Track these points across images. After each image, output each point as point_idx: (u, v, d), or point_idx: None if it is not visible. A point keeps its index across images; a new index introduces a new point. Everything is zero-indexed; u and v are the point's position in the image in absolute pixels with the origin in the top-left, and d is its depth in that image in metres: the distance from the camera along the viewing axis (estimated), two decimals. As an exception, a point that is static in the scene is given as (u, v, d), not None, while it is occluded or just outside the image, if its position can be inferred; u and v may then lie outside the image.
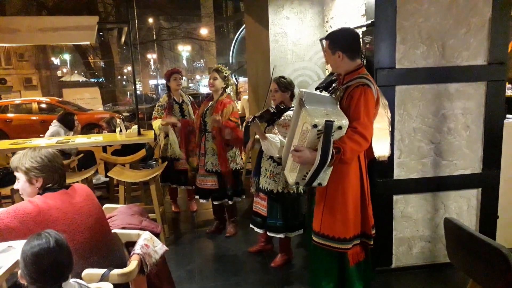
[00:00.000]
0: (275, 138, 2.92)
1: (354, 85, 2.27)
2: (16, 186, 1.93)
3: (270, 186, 3.10)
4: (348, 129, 2.17)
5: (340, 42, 2.35)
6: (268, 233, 3.22)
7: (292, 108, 2.93)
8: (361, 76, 2.30)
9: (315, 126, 2.08)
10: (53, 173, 1.89)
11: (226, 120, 3.59)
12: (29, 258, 1.43)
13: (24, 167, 1.85)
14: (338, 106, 2.30)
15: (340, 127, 2.12)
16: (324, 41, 3.96)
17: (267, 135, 2.94)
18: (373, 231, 2.51)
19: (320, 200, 2.43)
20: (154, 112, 4.38)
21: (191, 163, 4.15)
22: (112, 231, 2.12)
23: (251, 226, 3.35)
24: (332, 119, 2.10)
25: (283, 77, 3.13)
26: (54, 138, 5.10)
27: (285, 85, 3.06)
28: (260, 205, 3.25)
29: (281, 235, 3.17)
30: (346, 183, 2.33)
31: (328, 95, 2.44)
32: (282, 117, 2.98)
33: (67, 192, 1.92)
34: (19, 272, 1.49)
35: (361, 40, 2.47)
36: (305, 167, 2.23)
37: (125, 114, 13.50)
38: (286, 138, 2.54)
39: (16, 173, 1.89)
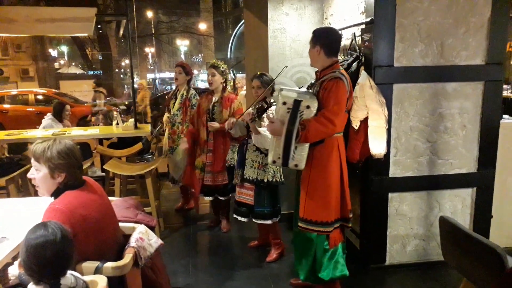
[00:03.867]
0: (266, 131, 2.98)
1: (328, 79, 2.44)
2: (32, 175, 1.83)
3: (260, 176, 3.18)
4: (318, 113, 2.38)
5: (322, 37, 2.53)
6: (255, 220, 3.28)
7: (274, 103, 3.04)
8: (334, 71, 2.47)
9: (284, 103, 2.39)
10: (76, 169, 1.82)
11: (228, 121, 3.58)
12: (33, 248, 1.37)
13: (51, 162, 1.75)
14: (315, 97, 2.46)
15: (308, 107, 2.37)
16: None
17: (260, 129, 3.01)
18: (351, 215, 2.65)
19: (303, 187, 2.55)
20: None
21: (197, 165, 3.83)
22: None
23: (234, 216, 3.38)
24: (301, 99, 2.35)
25: (264, 74, 3.25)
26: (50, 130, 5.08)
27: (267, 82, 3.15)
28: (246, 195, 3.30)
29: (269, 221, 3.26)
30: (328, 170, 2.48)
31: (306, 90, 2.63)
32: (269, 111, 3.01)
33: (86, 188, 1.86)
34: (18, 260, 1.44)
35: (344, 41, 2.56)
36: (279, 145, 2.41)
37: (122, 107, 13.46)
38: None
39: (36, 163, 1.79)
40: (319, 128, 2.35)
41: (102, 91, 9.47)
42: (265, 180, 3.17)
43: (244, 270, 3.21)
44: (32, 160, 1.81)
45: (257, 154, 3.20)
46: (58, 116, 5.45)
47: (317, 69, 2.62)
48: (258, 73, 3.25)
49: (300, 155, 2.42)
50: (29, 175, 1.86)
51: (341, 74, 2.45)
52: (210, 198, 3.90)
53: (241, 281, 3.06)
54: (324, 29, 2.75)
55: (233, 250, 3.58)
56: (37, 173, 1.81)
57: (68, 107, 5.61)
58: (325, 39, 2.52)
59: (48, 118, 5.43)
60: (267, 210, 3.23)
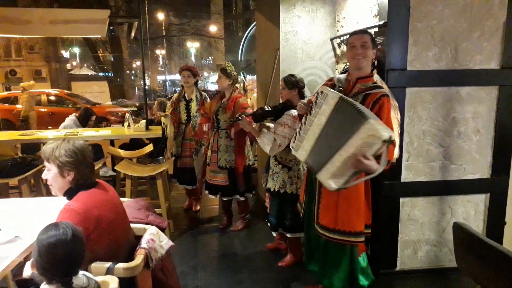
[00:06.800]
0: (267, 136, 2.96)
1: (379, 95, 2.24)
2: (45, 176, 1.89)
3: (269, 184, 3.14)
4: None
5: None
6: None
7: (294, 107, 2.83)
8: (378, 86, 2.31)
9: (384, 141, 1.99)
10: (85, 167, 1.86)
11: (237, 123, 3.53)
12: (45, 248, 1.41)
13: (59, 160, 1.80)
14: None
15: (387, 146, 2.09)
16: (334, 41, 3.96)
17: (262, 134, 2.98)
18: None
19: (330, 198, 2.41)
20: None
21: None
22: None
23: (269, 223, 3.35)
24: (391, 134, 2.03)
25: (292, 75, 3.06)
26: (63, 130, 5.13)
27: (292, 83, 3.00)
28: (268, 202, 3.32)
29: (275, 234, 3.26)
30: None
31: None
32: (284, 116, 2.96)
33: (98, 189, 1.90)
34: (31, 260, 1.48)
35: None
36: (351, 173, 2.13)
37: (133, 108, 13.56)
38: (315, 142, 2.26)
39: (47, 164, 1.86)
40: (390, 157, 2.17)
41: None
42: (272, 189, 3.10)
43: (253, 273, 3.20)
44: (44, 161, 1.87)
45: (273, 161, 3.11)
46: (83, 121, 5.58)
47: (341, 74, 2.49)
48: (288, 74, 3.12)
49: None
50: (43, 175, 1.92)
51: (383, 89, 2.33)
52: (213, 197, 3.93)
53: (251, 284, 3.05)
54: None
55: (242, 253, 3.57)
56: (49, 173, 1.87)
57: (94, 117, 5.77)
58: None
59: (71, 119, 5.54)
60: (274, 221, 3.20)
